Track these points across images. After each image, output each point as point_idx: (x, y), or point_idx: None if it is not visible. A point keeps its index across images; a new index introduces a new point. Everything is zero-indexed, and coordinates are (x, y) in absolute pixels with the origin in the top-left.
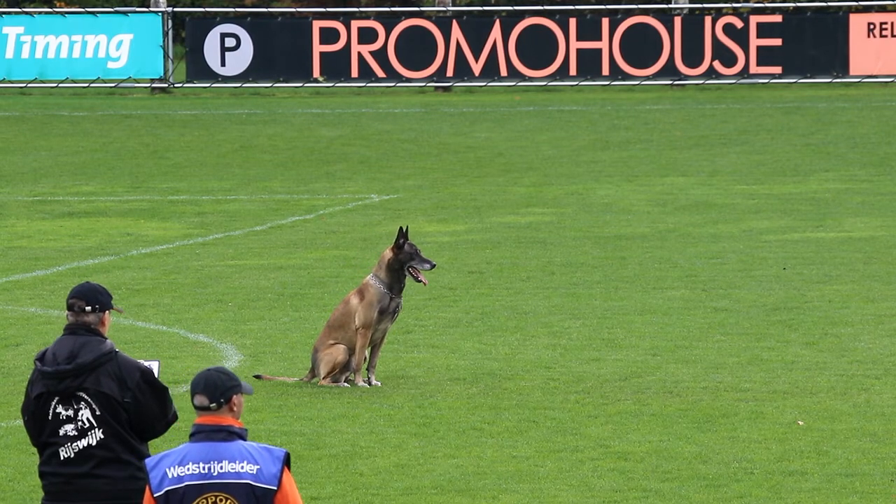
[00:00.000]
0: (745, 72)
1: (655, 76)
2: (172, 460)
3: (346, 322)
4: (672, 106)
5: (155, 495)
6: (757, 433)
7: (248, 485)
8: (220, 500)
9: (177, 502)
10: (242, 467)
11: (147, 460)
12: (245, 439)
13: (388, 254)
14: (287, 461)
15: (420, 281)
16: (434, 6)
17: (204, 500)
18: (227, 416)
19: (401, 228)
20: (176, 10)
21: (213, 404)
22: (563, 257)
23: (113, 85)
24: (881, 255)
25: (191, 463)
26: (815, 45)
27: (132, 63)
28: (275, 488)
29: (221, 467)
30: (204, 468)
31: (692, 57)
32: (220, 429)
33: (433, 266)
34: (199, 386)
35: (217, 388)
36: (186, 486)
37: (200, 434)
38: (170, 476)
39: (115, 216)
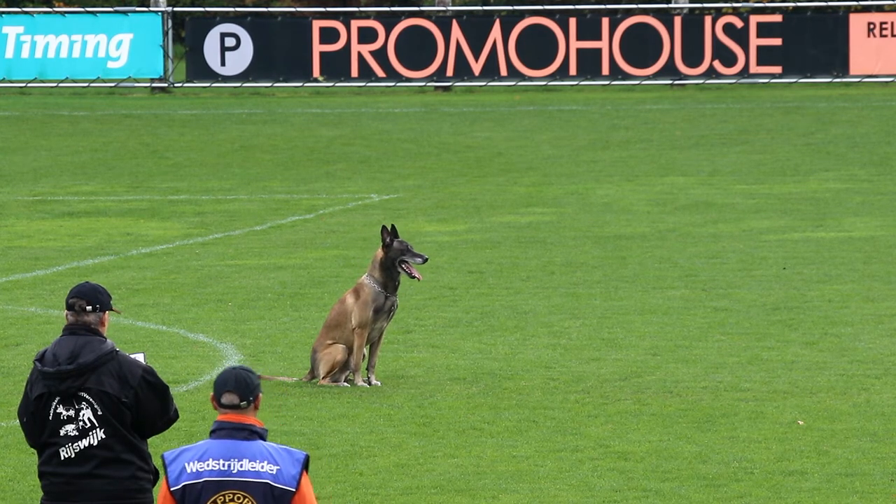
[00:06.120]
0: (745, 72)
1: (655, 76)
2: (192, 455)
3: (342, 321)
4: (672, 106)
5: (172, 489)
6: (757, 433)
7: (266, 485)
8: (238, 499)
9: (194, 498)
10: (262, 467)
11: (165, 454)
12: (265, 439)
13: (379, 253)
14: (306, 464)
15: (414, 276)
16: (434, 6)
17: (221, 497)
18: (250, 416)
19: (384, 227)
20: (176, 9)
21: (244, 402)
22: (563, 257)
23: (113, 85)
24: (881, 255)
25: (211, 459)
26: (815, 45)
27: (132, 63)
28: (293, 490)
29: (241, 465)
30: (224, 465)
31: (692, 57)
32: (242, 427)
33: (425, 260)
34: (228, 384)
35: (248, 386)
36: (205, 482)
37: (222, 431)
38: (188, 471)
39: (115, 216)
